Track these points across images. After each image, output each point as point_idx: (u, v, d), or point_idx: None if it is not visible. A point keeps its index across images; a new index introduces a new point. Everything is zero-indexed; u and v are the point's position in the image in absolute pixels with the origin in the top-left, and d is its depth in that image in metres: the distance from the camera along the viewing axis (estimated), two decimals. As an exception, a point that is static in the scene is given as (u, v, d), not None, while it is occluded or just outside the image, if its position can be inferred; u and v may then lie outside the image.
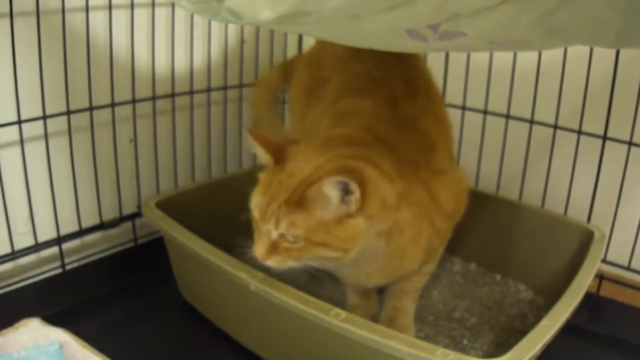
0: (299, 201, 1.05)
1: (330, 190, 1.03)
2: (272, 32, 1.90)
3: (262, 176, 1.13)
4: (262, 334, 1.28)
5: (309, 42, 1.91)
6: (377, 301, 1.41)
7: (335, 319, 1.03)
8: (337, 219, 1.06)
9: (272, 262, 1.09)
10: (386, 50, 1.02)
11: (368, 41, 0.95)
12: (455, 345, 1.32)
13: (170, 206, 1.44)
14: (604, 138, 1.49)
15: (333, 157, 1.10)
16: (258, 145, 1.12)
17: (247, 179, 1.57)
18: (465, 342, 1.33)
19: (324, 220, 1.06)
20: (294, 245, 1.07)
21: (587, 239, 1.40)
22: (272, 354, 1.28)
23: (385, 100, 1.30)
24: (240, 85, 1.83)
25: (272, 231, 1.07)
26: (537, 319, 1.34)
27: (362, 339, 1.01)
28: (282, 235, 1.07)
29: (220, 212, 1.57)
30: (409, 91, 1.34)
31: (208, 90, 1.73)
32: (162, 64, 1.62)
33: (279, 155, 1.12)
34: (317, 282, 1.47)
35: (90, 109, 1.47)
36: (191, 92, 1.69)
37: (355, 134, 1.21)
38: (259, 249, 1.09)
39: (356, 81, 1.35)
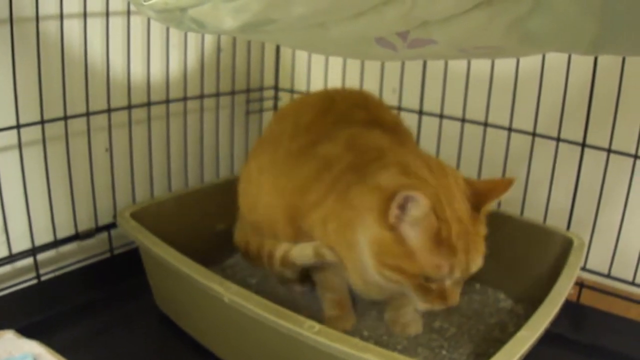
0: (481, 231, 1.14)
1: None
2: (249, 41, 1.88)
3: (425, 244, 1.08)
4: (238, 346, 1.26)
5: (286, 49, 1.90)
6: (354, 313, 1.40)
7: (309, 331, 1.01)
8: None
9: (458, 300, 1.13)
10: (357, 58, 1.00)
11: (337, 49, 0.94)
12: (435, 356, 1.30)
13: (145, 216, 1.42)
14: (583, 145, 1.48)
15: (454, 184, 1.14)
16: (431, 213, 1.07)
17: (224, 189, 1.58)
18: (444, 352, 1.31)
19: None
20: None
21: (566, 246, 1.38)
22: (248, 367, 1.27)
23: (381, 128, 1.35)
24: (217, 94, 1.81)
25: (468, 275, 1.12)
26: (517, 328, 1.32)
27: (336, 351, 0.98)
28: None
29: (196, 223, 1.57)
30: (383, 115, 1.43)
31: (184, 99, 1.71)
32: (137, 73, 1.59)
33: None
34: (293, 295, 1.45)
35: (65, 118, 1.44)
36: (167, 101, 1.66)
37: (414, 161, 1.20)
38: (456, 298, 1.12)
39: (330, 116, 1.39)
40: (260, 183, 1.39)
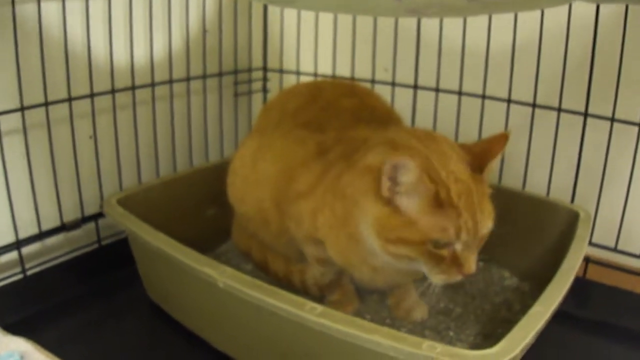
0: (484, 190, 1.06)
1: None
2: (235, 21, 1.80)
3: (425, 209, 1.00)
4: (235, 335, 1.18)
5: (274, 29, 1.87)
6: (356, 295, 1.33)
7: (311, 313, 0.93)
8: None
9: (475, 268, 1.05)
10: (355, 11, 0.92)
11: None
12: (442, 338, 1.23)
13: (133, 203, 1.35)
14: (585, 115, 1.41)
15: (447, 148, 1.07)
16: (422, 176, 0.98)
17: (214, 173, 1.52)
18: (451, 334, 1.25)
19: None
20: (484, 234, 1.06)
21: (572, 220, 1.32)
22: (245, 355, 1.18)
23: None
24: (204, 76, 1.73)
25: (479, 237, 1.04)
26: (524, 306, 1.27)
27: (340, 334, 0.90)
28: None
29: (186, 208, 1.50)
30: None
31: (170, 82, 1.63)
32: (120, 56, 1.52)
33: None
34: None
35: (46, 104, 1.36)
36: (152, 85, 1.59)
37: (399, 134, 1.15)
38: (473, 264, 1.04)
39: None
40: (246, 174, 1.35)
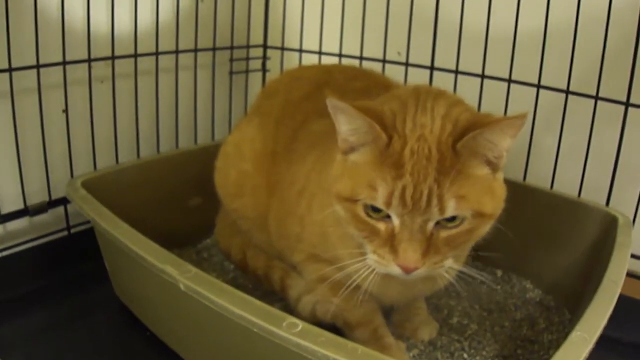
0: (454, 163, 0.78)
1: (503, 136, 0.79)
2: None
3: (369, 159, 0.81)
4: (200, 346, 0.97)
5: (277, 2, 1.70)
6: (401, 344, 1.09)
7: (288, 331, 0.71)
8: (492, 174, 0.83)
9: (428, 267, 0.81)
10: None
11: None
12: None
13: (103, 187, 1.17)
14: (627, 105, 1.19)
15: (433, 103, 0.84)
16: (365, 119, 0.79)
17: (201, 157, 1.33)
18: (465, 355, 1.04)
19: (487, 181, 0.82)
20: (456, 230, 0.80)
21: (608, 226, 1.13)
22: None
23: None
24: (195, 50, 1.53)
25: (431, 220, 0.79)
26: (549, 324, 1.13)
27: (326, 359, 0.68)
28: (439, 222, 0.80)
29: (167, 195, 1.33)
30: None
31: (156, 54, 1.43)
32: (100, 21, 1.34)
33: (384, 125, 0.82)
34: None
35: (10, 70, 1.18)
36: (135, 56, 1.39)
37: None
38: (412, 254, 0.79)
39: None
40: (246, 170, 1.20)
